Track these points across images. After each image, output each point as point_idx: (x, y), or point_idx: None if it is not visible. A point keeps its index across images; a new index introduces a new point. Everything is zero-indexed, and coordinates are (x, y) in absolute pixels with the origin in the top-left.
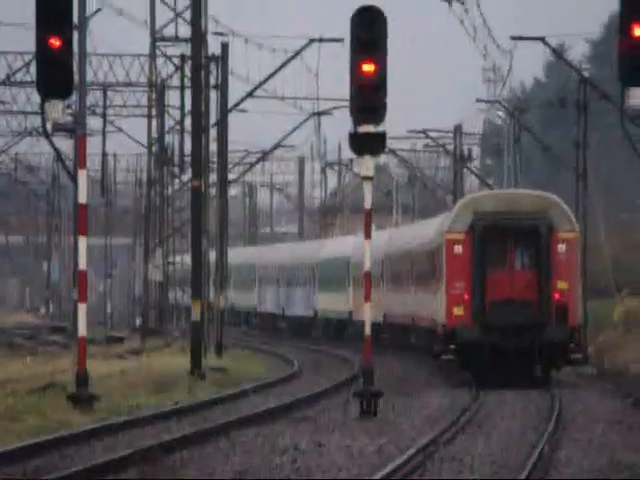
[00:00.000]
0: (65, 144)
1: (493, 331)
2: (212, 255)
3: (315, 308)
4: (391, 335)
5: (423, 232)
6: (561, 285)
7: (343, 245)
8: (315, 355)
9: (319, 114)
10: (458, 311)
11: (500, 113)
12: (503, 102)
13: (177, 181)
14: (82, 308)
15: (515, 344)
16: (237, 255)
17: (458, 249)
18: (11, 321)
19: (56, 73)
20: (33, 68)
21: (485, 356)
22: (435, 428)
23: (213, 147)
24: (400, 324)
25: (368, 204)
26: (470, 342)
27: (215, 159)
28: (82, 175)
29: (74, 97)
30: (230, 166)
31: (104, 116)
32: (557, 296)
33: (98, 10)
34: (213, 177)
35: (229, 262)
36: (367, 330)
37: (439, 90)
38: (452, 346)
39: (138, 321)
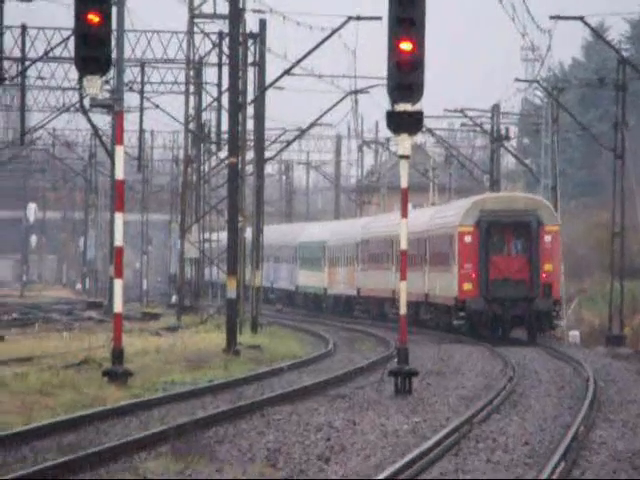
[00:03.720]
0: (102, 120)
1: (494, 302)
2: (248, 232)
3: (296, 283)
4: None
5: (433, 221)
6: (547, 267)
7: (321, 229)
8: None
9: (356, 92)
10: (467, 286)
11: (538, 93)
12: (541, 82)
13: (214, 158)
14: (118, 284)
15: (512, 313)
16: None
17: (468, 239)
18: (48, 297)
19: (94, 49)
20: (71, 44)
21: (488, 322)
22: (470, 408)
23: (250, 125)
24: (413, 300)
25: (405, 183)
26: (477, 311)
27: (252, 137)
28: (119, 151)
29: (112, 73)
30: (267, 144)
31: (142, 93)
32: (544, 276)
33: None
34: (250, 155)
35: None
36: (402, 310)
37: (477, 69)
38: (462, 314)
39: (174, 298)
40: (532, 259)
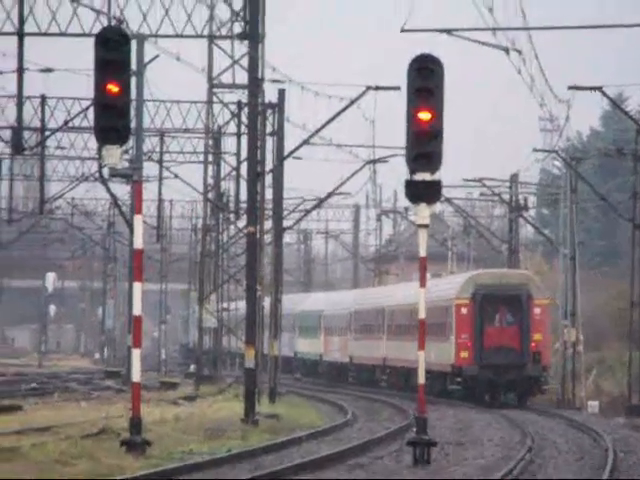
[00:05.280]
0: (121, 190)
1: (488, 369)
2: (266, 301)
3: (295, 350)
4: (393, 376)
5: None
6: (536, 337)
7: (317, 300)
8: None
9: (375, 162)
10: (464, 354)
11: (557, 162)
12: (560, 152)
13: (232, 227)
14: (136, 353)
15: (504, 378)
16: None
17: (464, 311)
18: (66, 366)
19: (114, 119)
20: (91, 114)
21: (483, 387)
22: (489, 478)
23: (269, 194)
24: (402, 367)
25: (423, 252)
26: (472, 377)
27: (270, 206)
28: (138, 221)
29: (131, 143)
30: (285, 213)
31: (160, 162)
32: (533, 345)
33: (156, 57)
34: (268, 224)
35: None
36: (420, 379)
37: (495, 139)
38: (458, 379)
39: (192, 367)
40: (523, 329)
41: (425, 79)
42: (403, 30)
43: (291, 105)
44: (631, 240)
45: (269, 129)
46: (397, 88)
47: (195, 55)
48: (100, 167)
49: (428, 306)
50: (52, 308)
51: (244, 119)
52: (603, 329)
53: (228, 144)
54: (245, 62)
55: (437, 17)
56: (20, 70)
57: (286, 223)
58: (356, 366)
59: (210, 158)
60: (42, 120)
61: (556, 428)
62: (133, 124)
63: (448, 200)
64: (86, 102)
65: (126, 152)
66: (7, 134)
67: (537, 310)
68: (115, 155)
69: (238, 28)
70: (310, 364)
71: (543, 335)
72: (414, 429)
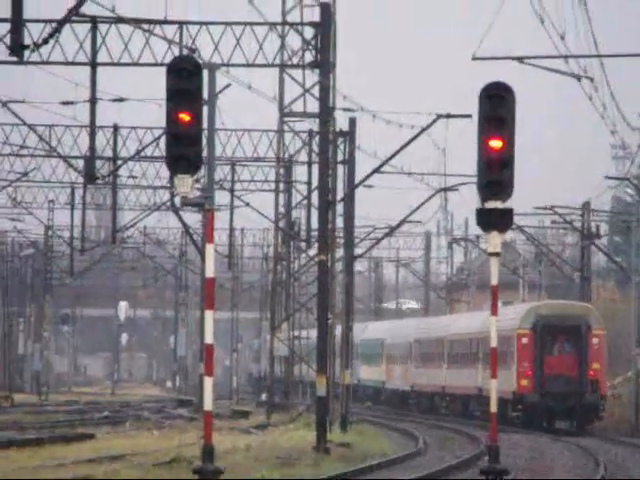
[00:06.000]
0: (192, 218)
1: (548, 396)
2: (338, 330)
3: (358, 377)
4: (452, 403)
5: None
6: (595, 366)
7: (379, 329)
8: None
9: (446, 190)
10: (524, 382)
11: (629, 190)
12: (632, 179)
13: (303, 256)
14: (208, 382)
15: (563, 406)
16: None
17: (525, 340)
18: (138, 394)
19: (185, 148)
20: (162, 143)
21: (543, 414)
22: None
23: (340, 222)
24: (464, 394)
25: (495, 280)
26: (533, 404)
27: (341, 234)
28: (209, 249)
29: (203, 172)
30: (356, 241)
31: (232, 191)
32: (592, 373)
33: (227, 86)
34: (339, 252)
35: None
36: (493, 407)
37: (567, 167)
38: (520, 407)
39: (264, 395)
40: (581, 358)
41: (496, 107)
42: (475, 58)
43: (362, 133)
44: None
45: (340, 157)
46: (469, 116)
47: (266, 84)
48: (172, 196)
49: (486, 335)
50: (124, 337)
51: (315, 147)
52: None
53: (299, 173)
54: (316, 91)
55: (508, 44)
56: (93, 100)
57: (357, 251)
58: (417, 393)
59: (281, 187)
60: (114, 149)
61: (629, 457)
62: (205, 153)
63: (520, 228)
64: (158, 131)
65: (198, 181)
66: (80, 164)
67: (595, 340)
68: (187, 184)
69: (309, 57)
70: (373, 391)
71: (601, 364)
72: (486, 457)
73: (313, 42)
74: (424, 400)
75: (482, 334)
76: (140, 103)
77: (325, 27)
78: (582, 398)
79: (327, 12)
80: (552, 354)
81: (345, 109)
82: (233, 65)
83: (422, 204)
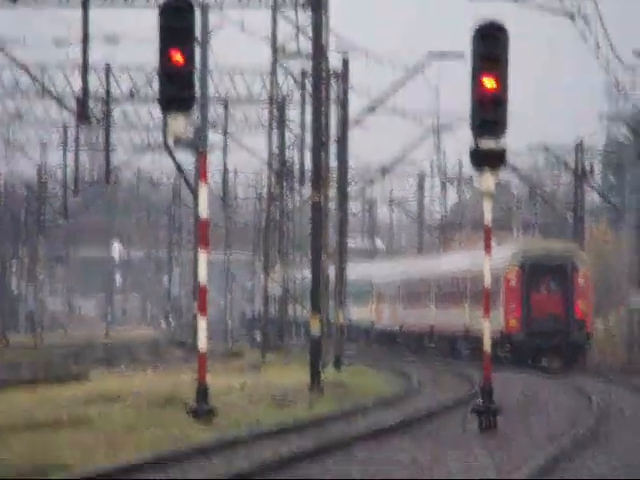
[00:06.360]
0: (186, 159)
1: (535, 335)
2: (331, 270)
3: (349, 318)
4: (440, 343)
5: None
6: (581, 305)
7: (369, 269)
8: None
9: (439, 129)
10: (512, 322)
11: (623, 129)
12: (626, 118)
13: (297, 196)
14: (202, 322)
15: (550, 345)
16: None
17: (512, 280)
18: (132, 335)
19: (178, 88)
20: (155, 83)
21: (530, 353)
22: (556, 445)
23: (333, 162)
24: (452, 333)
25: (488, 220)
26: (520, 343)
27: (335, 174)
28: (203, 190)
29: (196, 112)
30: (350, 181)
31: (225, 131)
32: (578, 312)
33: (220, 25)
34: (333, 192)
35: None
36: (486, 347)
37: (560, 105)
38: (508, 346)
39: (258, 336)
40: (567, 298)
41: (490, 46)
42: None
43: (355, 73)
44: None
45: (333, 97)
46: (460, 54)
47: (259, 24)
48: (165, 137)
49: (480, 275)
50: (118, 277)
51: (308, 88)
52: None
53: (292, 113)
54: (309, 31)
55: None
56: (85, 39)
57: (351, 191)
58: (405, 333)
59: (274, 127)
60: (107, 90)
61: (625, 396)
62: (197, 93)
63: (513, 168)
64: (151, 71)
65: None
66: (72, 103)
67: (581, 280)
68: (180, 124)
69: None
70: (363, 331)
71: (587, 303)
72: (479, 397)
73: None
74: (412, 340)
75: (469, 274)
76: (133, 44)
77: None
78: (568, 337)
79: None
80: (539, 293)
81: (338, 50)
82: (226, 5)
83: (415, 144)
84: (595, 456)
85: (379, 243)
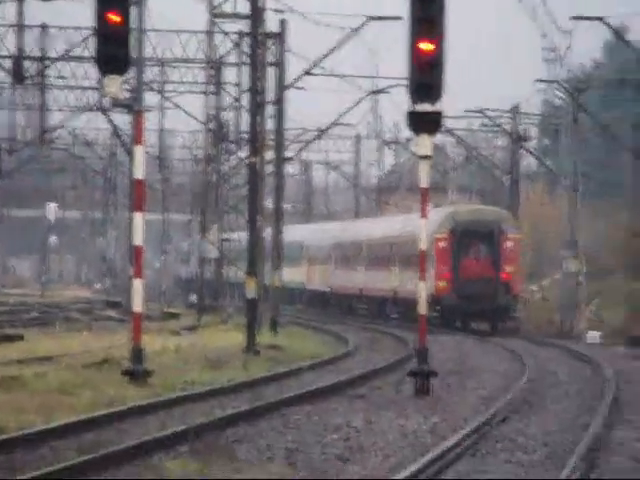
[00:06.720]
0: (122, 120)
1: (464, 298)
2: (267, 232)
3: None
4: (369, 304)
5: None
6: (508, 268)
7: (300, 232)
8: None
9: (376, 92)
10: (442, 285)
11: (559, 93)
12: (562, 82)
13: (234, 158)
14: (138, 284)
15: (478, 307)
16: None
17: (443, 244)
18: (67, 296)
19: (114, 48)
20: (92, 43)
21: (459, 315)
22: (489, 408)
23: (270, 124)
24: (381, 296)
25: (424, 183)
26: (450, 306)
27: (272, 136)
28: (139, 151)
29: (132, 73)
30: (287, 144)
31: (161, 92)
32: (505, 275)
33: None
34: (270, 154)
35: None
36: (422, 309)
37: (497, 69)
38: (438, 308)
39: (193, 298)
40: (495, 261)
41: (426, 9)
42: None
43: (293, 35)
44: (631, 169)
45: (270, 59)
46: (399, 18)
47: None
48: (101, 97)
49: (410, 239)
50: (53, 238)
51: (245, 49)
52: (605, 260)
53: (229, 74)
54: None
55: None
56: None
57: (287, 154)
58: (336, 295)
59: (211, 88)
60: (42, 49)
61: (555, 358)
62: (134, 54)
63: (449, 131)
64: (87, 31)
65: (127, 82)
66: (8, 63)
67: (509, 244)
68: (116, 85)
69: None
70: (295, 293)
71: (514, 267)
72: (415, 360)
73: None
74: (343, 302)
75: (398, 238)
76: (69, 3)
77: None
78: (495, 300)
79: None
80: (468, 257)
81: (275, 10)
82: None
83: (352, 107)
84: (528, 420)
85: (316, 206)
